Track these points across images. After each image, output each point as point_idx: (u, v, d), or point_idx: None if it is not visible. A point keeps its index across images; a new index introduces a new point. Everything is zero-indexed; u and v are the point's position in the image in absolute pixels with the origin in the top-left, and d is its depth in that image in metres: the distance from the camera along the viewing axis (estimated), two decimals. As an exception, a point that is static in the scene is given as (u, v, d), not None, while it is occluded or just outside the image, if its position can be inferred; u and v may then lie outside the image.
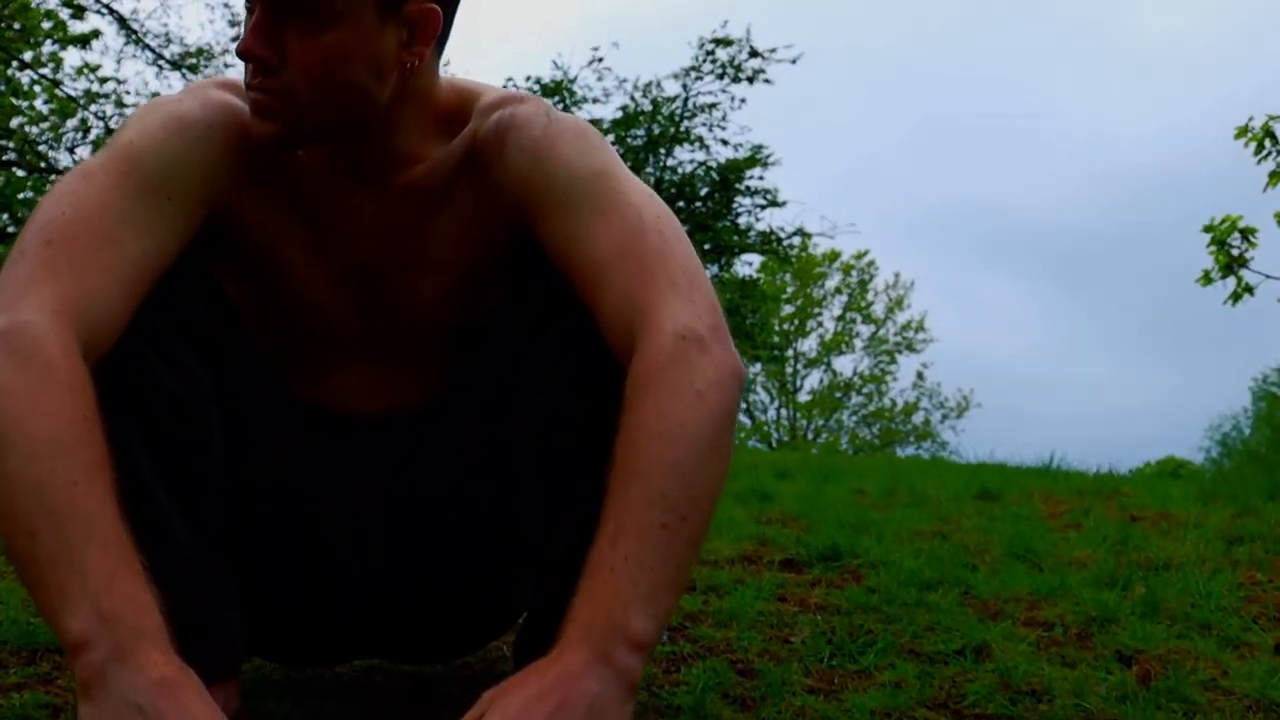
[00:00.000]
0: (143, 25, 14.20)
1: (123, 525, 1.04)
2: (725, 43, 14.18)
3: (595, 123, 14.57)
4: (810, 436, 30.13)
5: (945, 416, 30.10)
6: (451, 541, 1.46)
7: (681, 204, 14.85)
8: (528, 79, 14.59)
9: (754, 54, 14.18)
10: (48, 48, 14.06)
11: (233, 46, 14.11)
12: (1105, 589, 2.31)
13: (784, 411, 30.40)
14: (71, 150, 14.53)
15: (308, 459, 1.43)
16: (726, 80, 14.34)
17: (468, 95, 1.40)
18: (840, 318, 30.68)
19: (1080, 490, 4.15)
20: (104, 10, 13.62)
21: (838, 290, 30.76)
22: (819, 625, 2.01)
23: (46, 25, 13.67)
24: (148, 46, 14.01)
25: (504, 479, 1.37)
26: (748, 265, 16.66)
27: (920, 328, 30.53)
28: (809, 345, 30.55)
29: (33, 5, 13.57)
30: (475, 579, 1.51)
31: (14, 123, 14.37)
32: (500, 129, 1.34)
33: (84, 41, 13.46)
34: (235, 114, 1.30)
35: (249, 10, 1.25)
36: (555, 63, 14.67)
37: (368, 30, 1.23)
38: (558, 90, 14.51)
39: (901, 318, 30.75)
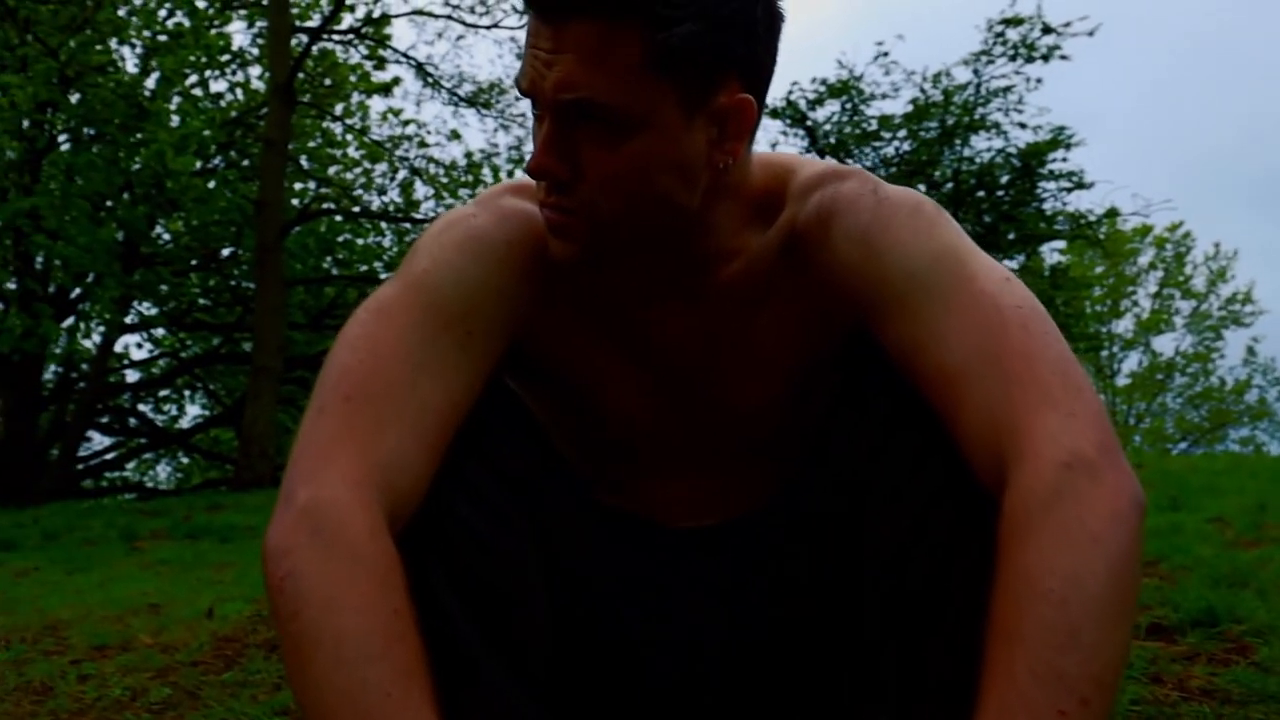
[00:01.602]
0: (438, 68, 14.93)
1: None
2: (1015, 22, 13.47)
3: (885, 120, 14.25)
4: (1132, 422, 28.45)
5: (1283, 393, 27.79)
6: (786, 670, 1.31)
7: (982, 194, 14.24)
8: (813, 80, 14.36)
9: (1047, 30, 13.41)
10: (355, 98, 14.98)
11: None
12: None
13: (1102, 397, 28.74)
14: (382, 193, 15.43)
15: (629, 578, 1.31)
16: (1020, 61, 13.62)
17: (781, 174, 1.23)
18: (1156, 295, 28.90)
19: None
20: (403, 59, 14.38)
21: (1152, 266, 28.99)
22: None
23: (353, 78, 14.56)
24: (444, 88, 14.69)
25: (845, 601, 1.20)
26: (1055, 252, 15.89)
27: (1247, 299, 28.41)
28: (1124, 326, 28.89)
29: (340, 61, 14.50)
30: (811, 715, 1.34)
31: (330, 171, 15.39)
32: (823, 215, 1.18)
33: (386, 89, 14.23)
34: (532, 225, 1.19)
35: (536, 120, 1.10)
36: (840, 61, 14.40)
37: (673, 133, 1.08)
38: (844, 90, 14.20)
39: (1225, 290, 28.73)
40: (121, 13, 12.05)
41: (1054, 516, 0.93)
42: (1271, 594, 2.55)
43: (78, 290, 14.06)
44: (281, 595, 0.97)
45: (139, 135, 11.49)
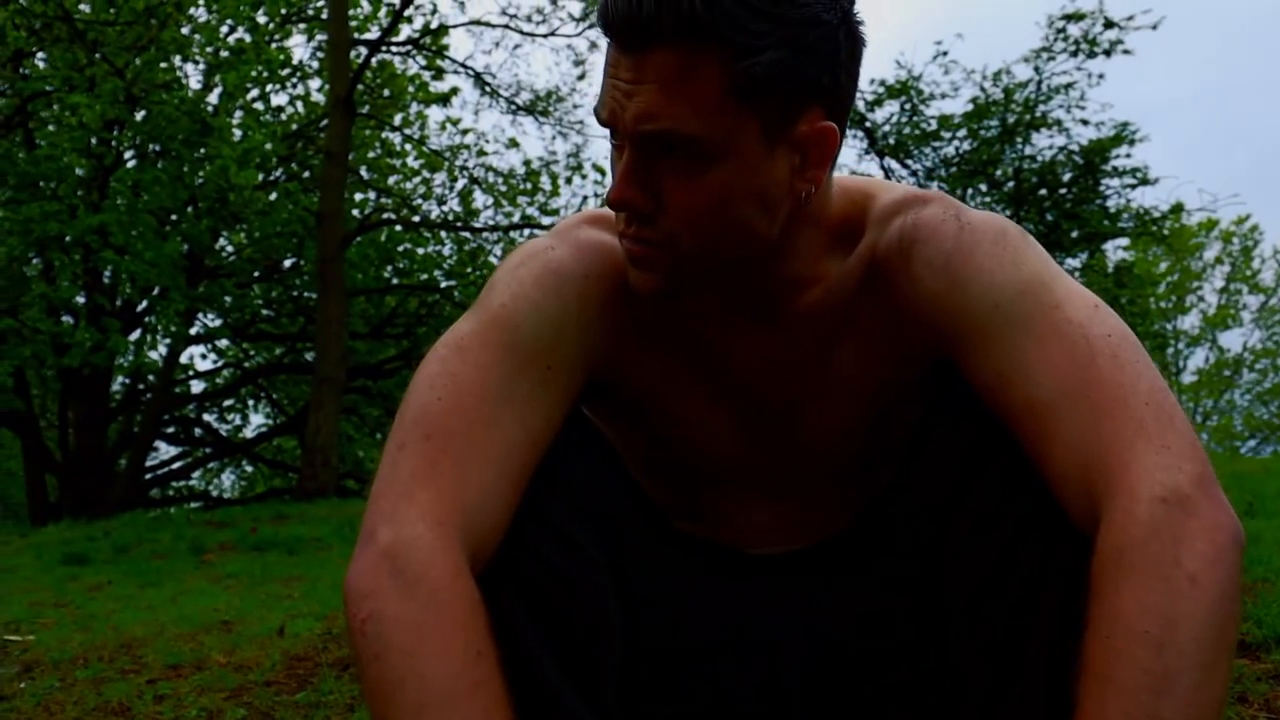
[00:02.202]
0: (495, 77, 15.01)
1: None
2: (1076, 17, 13.30)
3: (945, 119, 14.12)
4: (1199, 420, 27.95)
5: (1357, 388, 27.20)
6: (868, 699, 1.28)
7: (1044, 192, 14.07)
8: (871, 82, 14.26)
9: (1109, 25, 13.23)
10: (414, 109, 15.10)
11: (579, 87, 14.83)
12: None
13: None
14: (441, 202, 15.53)
15: (708, 606, 1.29)
16: (1081, 57, 13.44)
17: (861, 199, 1.20)
18: (1223, 290, 28.43)
19: None
20: (461, 69, 14.47)
21: (1218, 260, 28.53)
22: (1305, 749, 1.74)
23: (411, 89, 14.67)
24: (501, 96, 14.77)
25: (928, 632, 1.18)
26: (1119, 249, 15.66)
27: (1318, 293, 27.75)
28: (1190, 322, 28.41)
29: (398, 72, 14.62)
30: None
31: (390, 181, 15.52)
32: (904, 242, 1.15)
33: (445, 99, 14.32)
34: (610, 257, 1.17)
35: (615, 149, 1.09)
36: (898, 62, 14.28)
37: (755, 162, 1.05)
38: (904, 90, 14.09)
39: (1295, 284, 28.03)
40: (185, 31, 12.22)
41: (1149, 556, 0.91)
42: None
43: (144, 304, 14.30)
44: (364, 638, 0.96)
45: (203, 150, 11.65)
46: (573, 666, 1.12)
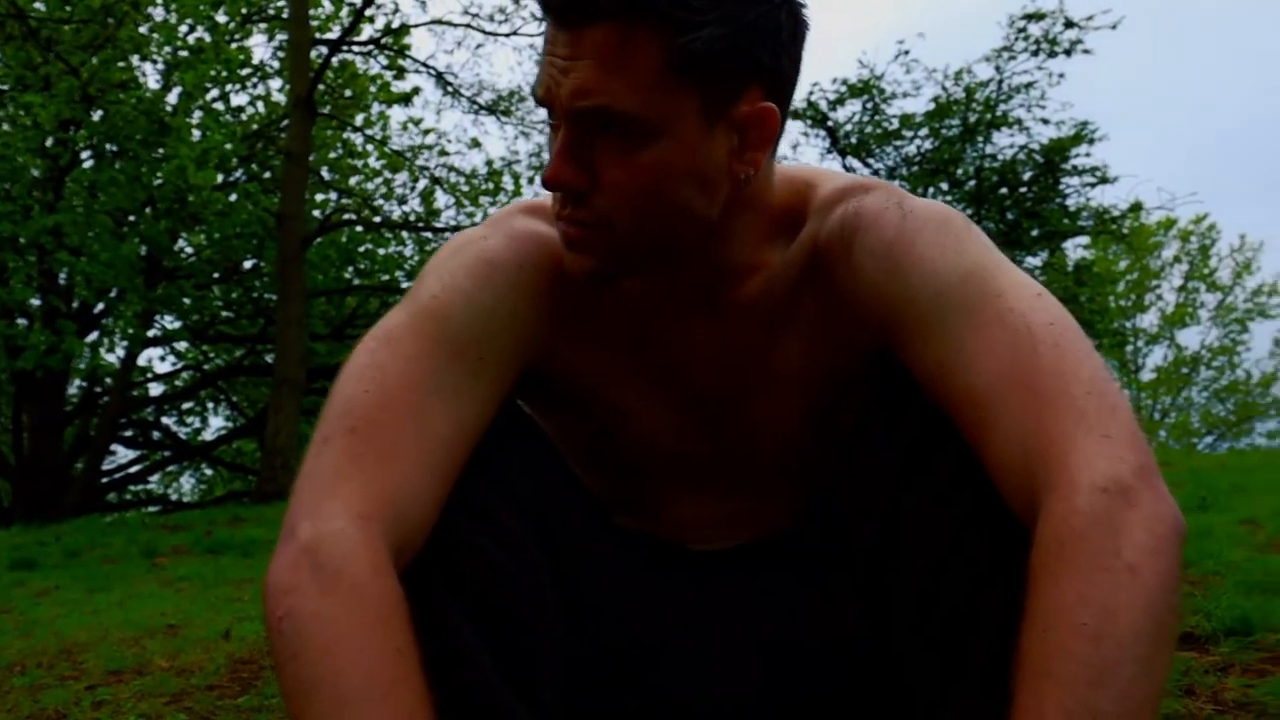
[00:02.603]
0: (457, 77, 14.93)
1: None
2: (1037, 17, 13.40)
3: (907, 118, 14.18)
4: (1157, 417, 28.24)
5: (1311, 385, 27.56)
6: (813, 695, 1.26)
7: (1005, 191, 14.16)
8: (834, 81, 14.30)
9: (1069, 25, 13.34)
10: (375, 109, 14.99)
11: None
12: None
13: (1126, 392, 28.56)
14: (402, 202, 15.44)
15: (647, 600, 1.26)
16: (1042, 56, 13.54)
17: (802, 188, 1.18)
18: (1181, 288, 28.68)
19: None
20: (423, 68, 14.38)
21: (1176, 259, 28.77)
22: (1244, 735, 1.72)
23: (373, 89, 14.58)
24: (463, 96, 14.69)
25: (873, 626, 1.16)
26: (1079, 248, 15.77)
27: (1274, 291, 28.17)
28: (1149, 320, 28.67)
29: (360, 72, 14.53)
30: None
31: (351, 181, 15.42)
32: (846, 230, 1.13)
33: (406, 99, 14.21)
34: (546, 246, 1.15)
35: (552, 129, 1.06)
36: (861, 61, 14.35)
37: (692, 141, 1.04)
38: (866, 89, 14.13)
39: (1251, 283, 28.49)
40: (143, 30, 12.10)
41: (1089, 546, 0.89)
42: (1306, 601, 2.49)
43: (101, 306, 14.15)
44: (281, 636, 0.93)
45: (161, 151, 11.53)
46: (509, 664, 1.09)
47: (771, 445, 1.25)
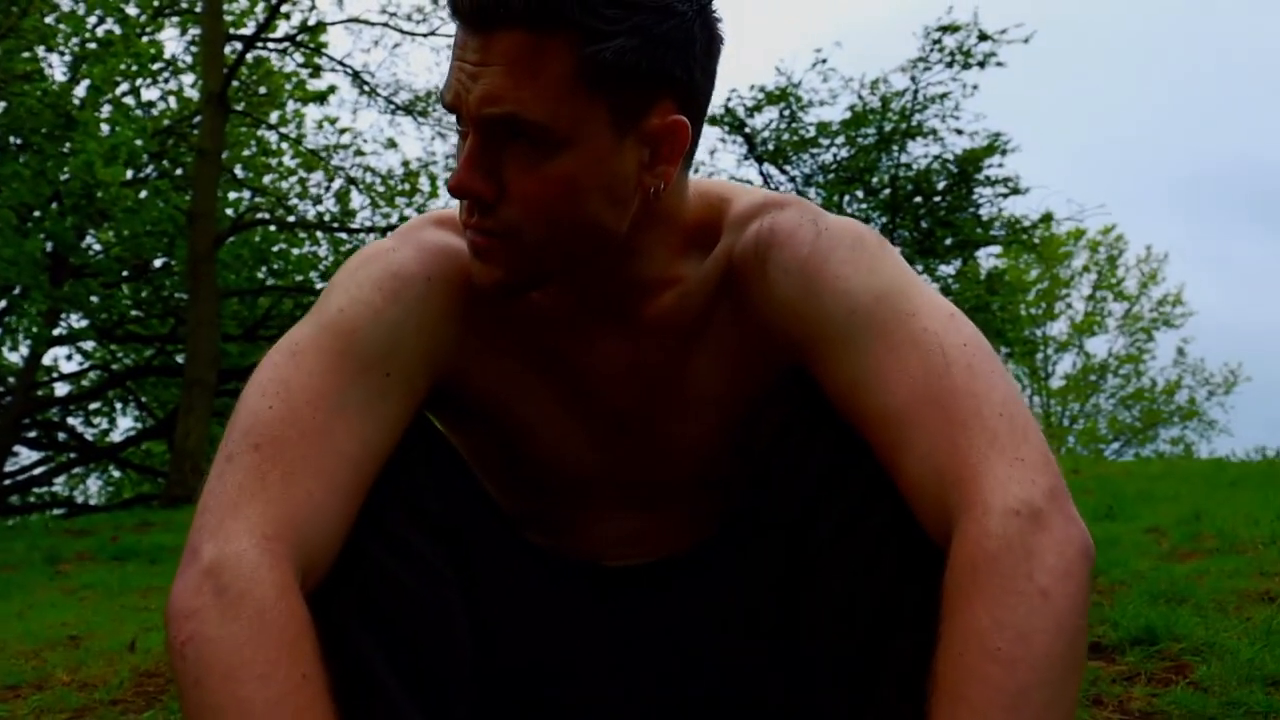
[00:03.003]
0: (374, 76, 14.74)
1: None
2: (952, 29, 13.62)
3: (823, 126, 14.32)
4: (1066, 423, 28.81)
5: (1211, 394, 28.36)
6: (728, 713, 1.25)
7: (919, 199, 14.37)
8: (751, 88, 14.38)
9: (983, 37, 13.59)
10: (290, 106, 14.76)
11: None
12: None
13: (1036, 399, 29.18)
14: (317, 202, 15.20)
15: (561, 618, 1.25)
16: (956, 68, 13.79)
17: (716, 203, 1.18)
18: (1090, 297, 29.28)
19: None
20: (339, 66, 14.18)
21: (1085, 269, 29.38)
22: (1149, 743, 1.76)
23: (288, 86, 14.35)
24: (380, 96, 14.51)
25: (789, 647, 1.16)
26: (991, 257, 16.04)
27: (1178, 301, 28.90)
28: (1058, 328, 29.25)
29: (275, 69, 14.30)
30: None
31: (265, 180, 15.16)
32: (760, 246, 1.13)
33: (322, 98, 14.00)
34: (455, 258, 1.13)
35: (460, 136, 1.05)
36: (778, 69, 14.43)
37: (601, 153, 1.03)
38: (783, 97, 14.24)
39: (1156, 292, 29.15)
40: (49, 20, 11.77)
41: (1002, 569, 0.90)
42: (1209, 610, 2.55)
43: (3, 304, 13.74)
44: (183, 661, 0.91)
45: (67, 145, 11.23)
46: (419, 686, 1.07)
47: (685, 462, 1.25)
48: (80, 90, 12.56)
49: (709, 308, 1.18)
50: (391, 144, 15.73)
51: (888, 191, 14.33)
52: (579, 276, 1.14)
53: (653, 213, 1.11)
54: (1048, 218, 14.85)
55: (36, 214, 12.41)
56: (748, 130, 14.56)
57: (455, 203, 1.11)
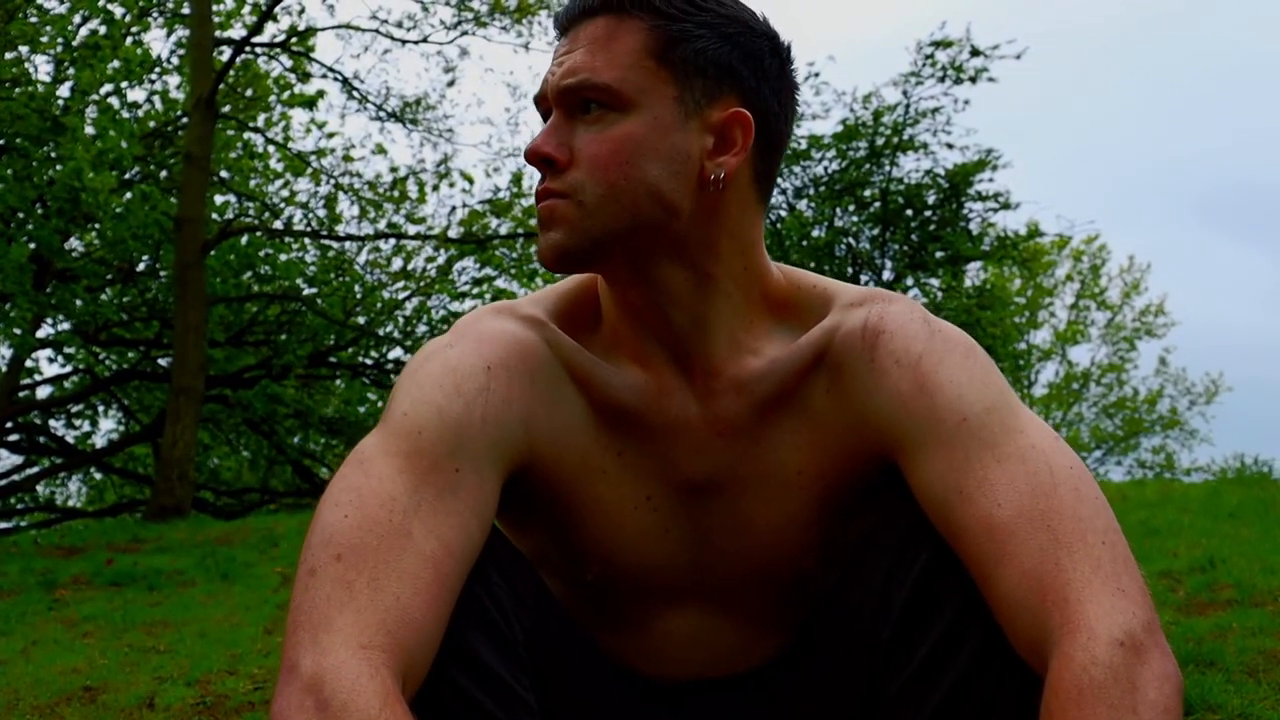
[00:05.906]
0: (364, 82, 14.62)
1: None
2: (945, 44, 13.66)
3: (815, 139, 14.33)
4: (1049, 431, 28.89)
5: (1193, 403, 28.48)
6: None
7: (910, 213, 14.41)
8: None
9: (975, 53, 13.63)
10: (278, 111, 14.63)
11: (449, 94, 14.61)
12: None
13: (1020, 407, 29.26)
14: (305, 207, 15.09)
15: None
16: (948, 83, 13.84)
17: (809, 290, 1.20)
18: (1073, 306, 29.41)
19: None
20: (329, 72, 14.07)
21: (1069, 278, 29.48)
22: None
23: (276, 90, 14.22)
24: (370, 102, 14.41)
25: None
26: (978, 270, 16.09)
27: (1160, 311, 29.04)
28: (1042, 337, 29.36)
29: (262, 73, 14.18)
30: None
31: (252, 184, 15.03)
32: (869, 331, 1.13)
33: (311, 103, 13.87)
34: (512, 344, 1.14)
35: (544, 118, 1.14)
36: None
37: (664, 123, 1.10)
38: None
39: (1139, 302, 29.32)
40: (33, 19, 11.64)
41: (1109, 700, 0.90)
42: (1238, 675, 2.54)
43: (-14, 308, 13.59)
44: None
45: (54, 152, 11.11)
46: None
47: (764, 550, 1.21)
48: (64, 90, 12.43)
49: (799, 379, 1.17)
50: (380, 150, 15.58)
51: (878, 205, 14.36)
52: (637, 257, 1.14)
53: (718, 212, 1.14)
54: (1035, 232, 14.93)
55: (20, 215, 12.27)
56: (739, 141, 14.54)
57: (509, 298, 1.12)
